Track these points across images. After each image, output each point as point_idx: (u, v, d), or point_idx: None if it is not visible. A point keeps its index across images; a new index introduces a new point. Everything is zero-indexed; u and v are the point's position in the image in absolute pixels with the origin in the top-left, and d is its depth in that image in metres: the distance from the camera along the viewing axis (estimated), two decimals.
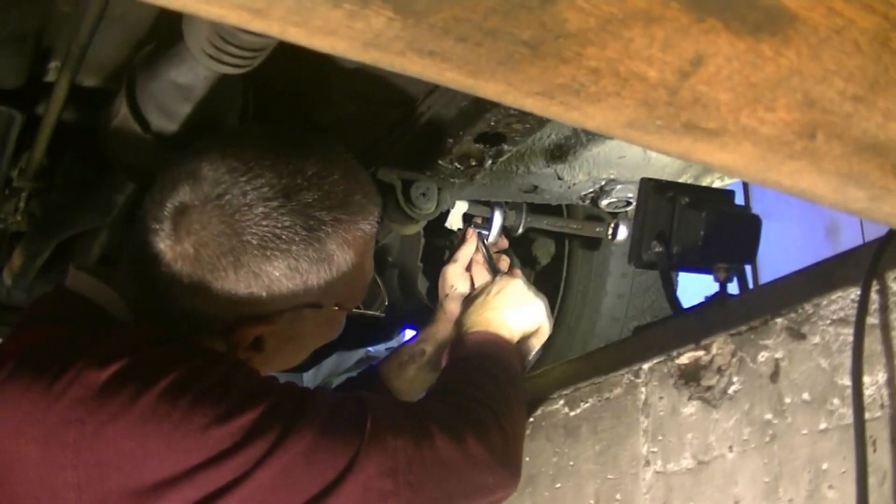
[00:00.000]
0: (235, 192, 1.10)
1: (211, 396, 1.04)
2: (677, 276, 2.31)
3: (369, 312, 1.41)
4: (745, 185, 6.19)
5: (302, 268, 1.12)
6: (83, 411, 1.01)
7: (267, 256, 1.10)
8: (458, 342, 1.41)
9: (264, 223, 1.09)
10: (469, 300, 1.51)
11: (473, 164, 1.52)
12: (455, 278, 1.58)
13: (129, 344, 1.08)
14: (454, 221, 1.99)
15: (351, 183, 1.18)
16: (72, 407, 1.02)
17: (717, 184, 1.92)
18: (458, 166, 1.53)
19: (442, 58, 0.62)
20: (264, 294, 1.12)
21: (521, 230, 2.02)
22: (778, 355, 1.05)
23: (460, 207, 1.96)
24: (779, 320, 1.07)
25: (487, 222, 2.03)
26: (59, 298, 1.21)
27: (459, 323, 1.47)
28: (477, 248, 1.78)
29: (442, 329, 1.54)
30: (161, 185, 1.14)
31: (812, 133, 0.68)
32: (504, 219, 1.98)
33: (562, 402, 1.37)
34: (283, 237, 1.10)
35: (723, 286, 1.30)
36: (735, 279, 1.34)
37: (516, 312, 1.43)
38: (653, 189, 1.37)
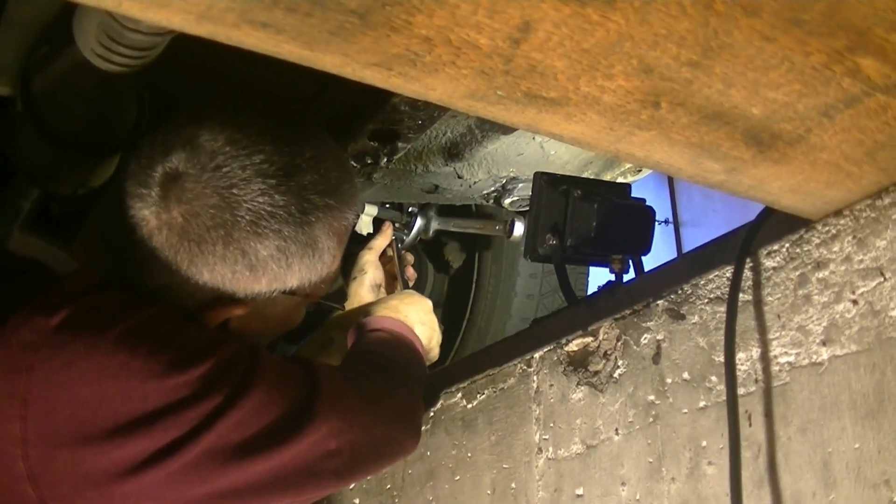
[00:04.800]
0: (234, 164, 1.06)
1: (169, 345, 1.02)
2: (588, 268, 2.35)
3: (331, 304, 1.42)
4: (672, 195, 6.30)
5: (290, 250, 1.10)
6: (33, 358, 0.97)
7: (258, 234, 1.06)
8: (370, 320, 1.42)
9: (260, 199, 1.06)
10: (380, 301, 1.52)
11: (369, 161, 1.52)
12: (367, 263, 1.62)
13: (76, 289, 1.05)
14: (363, 226, 1.98)
15: (342, 172, 1.17)
16: (20, 353, 0.98)
17: (627, 179, 1.93)
18: (355, 164, 1.53)
19: (276, 30, 0.62)
20: (247, 273, 1.09)
21: (431, 233, 2.04)
22: (659, 336, 1.06)
23: (370, 210, 1.96)
24: (660, 302, 1.08)
25: (403, 227, 2.03)
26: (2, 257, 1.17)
27: (368, 311, 1.48)
28: (391, 247, 1.80)
29: (347, 314, 1.55)
30: (151, 148, 1.09)
31: (655, 101, 0.69)
32: (423, 223, 2.01)
33: (460, 394, 1.37)
34: (277, 216, 1.07)
35: (618, 276, 1.31)
36: (632, 270, 1.35)
37: (421, 328, 1.46)
38: (546, 183, 1.38)
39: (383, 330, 1.40)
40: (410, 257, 1.82)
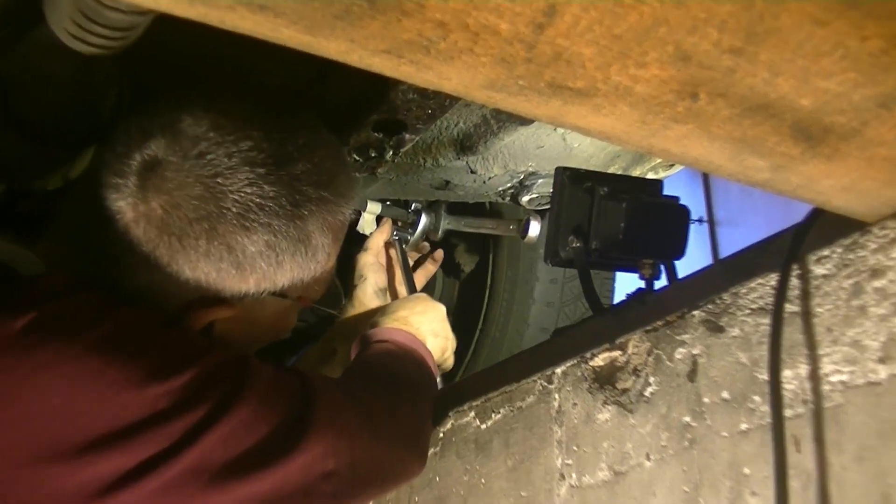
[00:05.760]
0: (220, 152, 1.07)
1: (147, 351, 1.03)
2: (615, 274, 2.35)
3: (326, 309, 1.43)
4: (707, 191, 6.30)
5: (280, 246, 1.11)
6: None
7: (246, 228, 1.08)
8: (376, 331, 1.43)
9: (248, 190, 1.07)
10: (388, 309, 1.52)
11: (373, 155, 1.52)
12: (365, 267, 1.63)
13: (44, 292, 1.06)
14: (366, 225, 1.99)
15: (338, 162, 1.19)
16: None
17: (658, 175, 1.94)
18: (358, 158, 1.54)
19: (274, 12, 0.62)
20: (234, 271, 1.10)
21: (440, 233, 2.04)
22: (696, 351, 1.06)
23: (373, 209, 1.97)
24: (696, 313, 1.08)
25: (408, 226, 2.04)
26: None
27: (374, 322, 1.48)
28: (392, 246, 1.81)
29: (351, 322, 1.56)
30: (127, 135, 1.11)
31: (693, 92, 0.69)
32: (429, 221, 2.01)
33: (472, 414, 1.37)
34: (267, 209, 1.09)
35: (648, 283, 1.31)
36: (664, 276, 1.36)
37: (433, 340, 1.46)
38: (569, 179, 1.38)
39: (390, 341, 1.41)
40: (425, 245, 1.82)
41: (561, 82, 0.66)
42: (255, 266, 1.11)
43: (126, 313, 1.06)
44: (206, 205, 1.06)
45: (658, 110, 0.70)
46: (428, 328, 1.48)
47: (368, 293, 1.61)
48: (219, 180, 1.07)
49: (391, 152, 1.53)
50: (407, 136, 1.49)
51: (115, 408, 0.99)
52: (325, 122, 1.53)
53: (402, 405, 1.29)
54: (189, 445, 1.00)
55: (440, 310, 1.52)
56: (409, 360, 1.39)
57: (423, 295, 1.60)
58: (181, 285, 1.10)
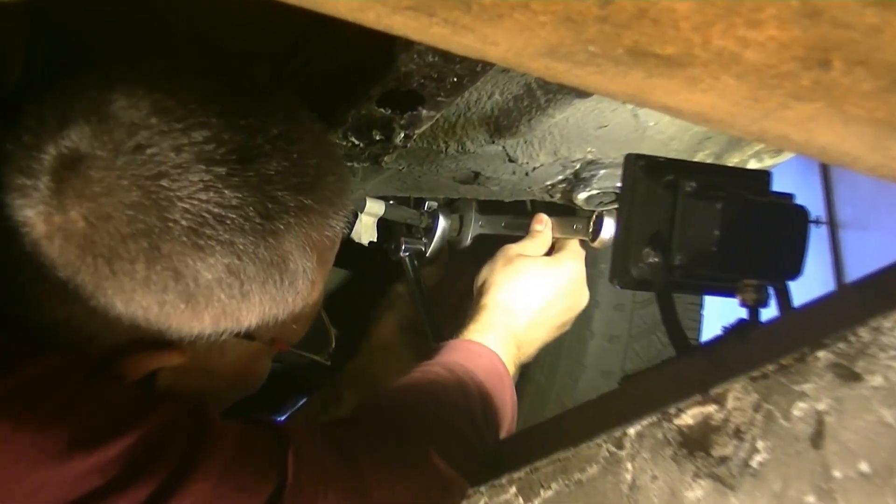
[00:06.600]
0: (164, 144, 1.06)
1: (69, 412, 1.02)
2: (704, 299, 2.35)
3: (312, 356, 1.41)
4: (827, 185, 6.27)
5: (246, 272, 1.11)
6: None
7: (199, 248, 1.07)
8: (453, 348, 1.44)
9: (202, 197, 1.06)
10: (498, 301, 1.60)
11: (378, 138, 1.53)
12: (395, 297, 1.65)
13: None
14: (364, 231, 1.99)
15: (324, 158, 1.18)
16: None
17: (763, 163, 1.93)
18: (356, 142, 1.54)
19: None
20: (182, 306, 1.10)
21: (468, 240, 2.05)
22: (821, 406, 1.07)
23: (373, 209, 1.97)
24: (821, 354, 1.08)
25: (421, 233, 2.04)
26: None
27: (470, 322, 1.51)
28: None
29: (365, 365, 1.57)
30: (38, 119, 1.10)
31: (824, 59, 0.70)
32: (449, 225, 2.01)
33: (513, 489, 1.37)
34: (228, 222, 1.08)
35: (752, 312, 1.31)
36: (774, 303, 1.35)
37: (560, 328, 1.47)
38: (643, 170, 1.38)
39: (458, 369, 1.41)
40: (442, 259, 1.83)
41: (645, 48, 0.67)
42: (212, 298, 1.10)
43: (38, 360, 1.06)
44: (145, 216, 1.05)
45: (775, 84, 0.71)
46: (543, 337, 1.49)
47: (389, 329, 1.61)
48: (163, 183, 1.05)
49: (402, 134, 1.53)
50: (424, 111, 1.49)
51: (27, 489, 0.99)
52: (312, 100, 1.54)
53: (415, 469, 1.28)
54: None
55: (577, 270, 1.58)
56: (466, 404, 1.39)
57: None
58: (111, 323, 1.09)
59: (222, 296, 1.11)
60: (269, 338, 1.19)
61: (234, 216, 1.08)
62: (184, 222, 1.06)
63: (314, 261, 1.18)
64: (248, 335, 1.16)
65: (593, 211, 1.89)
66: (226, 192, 1.07)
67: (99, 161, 1.06)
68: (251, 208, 1.09)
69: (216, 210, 1.07)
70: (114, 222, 1.05)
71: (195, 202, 1.06)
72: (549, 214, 2.00)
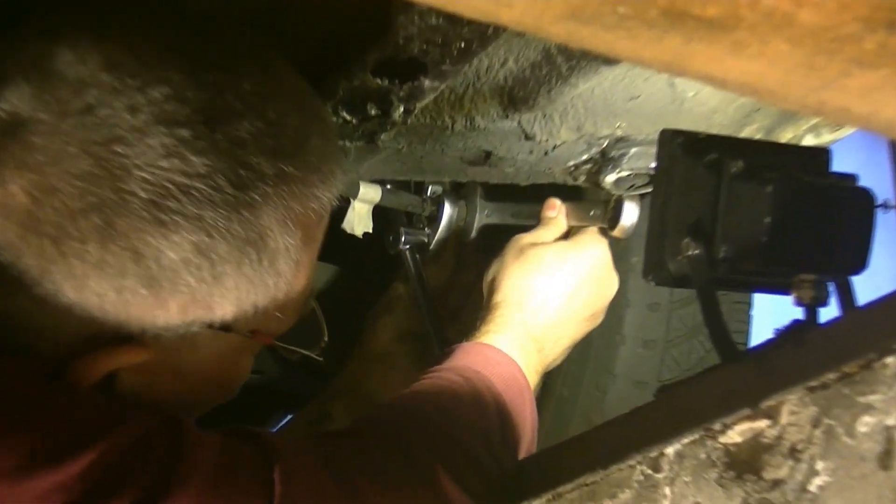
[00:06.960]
0: (118, 104, 1.05)
1: (22, 424, 1.03)
2: (753, 297, 2.33)
3: (302, 351, 1.40)
4: (895, 163, 6.20)
5: (217, 252, 1.10)
6: None
7: (162, 224, 1.06)
8: (465, 352, 1.44)
9: (164, 164, 1.05)
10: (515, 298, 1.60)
11: (374, 113, 1.52)
12: (393, 299, 1.64)
13: None
14: (357, 221, 2.00)
15: (307, 116, 1.18)
16: None
17: (820, 140, 1.92)
18: (348, 117, 1.53)
19: None
20: (144, 292, 1.09)
21: (474, 231, 2.04)
22: (891, 421, 1.07)
23: (368, 195, 1.97)
24: (890, 360, 1.08)
25: (424, 223, 2.04)
26: None
27: (482, 324, 1.53)
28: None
29: (356, 376, 1.57)
30: None
31: (892, 19, 0.71)
32: (455, 213, 2.00)
33: None
34: (195, 194, 1.07)
35: (809, 312, 1.31)
36: (835, 302, 1.35)
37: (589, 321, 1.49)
38: (681, 148, 1.37)
39: (474, 376, 1.41)
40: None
41: (683, 9, 0.68)
42: (178, 282, 1.10)
43: None
44: (97, 188, 1.05)
45: (834, 48, 0.72)
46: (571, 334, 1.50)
47: (388, 336, 1.60)
48: (117, 149, 1.05)
49: (401, 108, 1.53)
50: (426, 82, 1.48)
51: None
52: (297, 70, 1.54)
53: (419, 490, 1.29)
54: None
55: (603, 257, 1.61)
56: (481, 417, 1.39)
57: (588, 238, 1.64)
58: (61, 315, 1.09)
59: (190, 279, 1.10)
60: (248, 330, 1.18)
61: (201, 186, 1.07)
62: (143, 194, 1.06)
63: (298, 238, 1.17)
64: (224, 326, 1.15)
65: (612, 195, 1.88)
66: (191, 158, 1.07)
67: (42, 125, 1.05)
68: (221, 177, 1.08)
69: (180, 179, 1.06)
70: (61, 196, 1.05)
71: (155, 171, 1.05)
72: (562, 200, 2.00)
